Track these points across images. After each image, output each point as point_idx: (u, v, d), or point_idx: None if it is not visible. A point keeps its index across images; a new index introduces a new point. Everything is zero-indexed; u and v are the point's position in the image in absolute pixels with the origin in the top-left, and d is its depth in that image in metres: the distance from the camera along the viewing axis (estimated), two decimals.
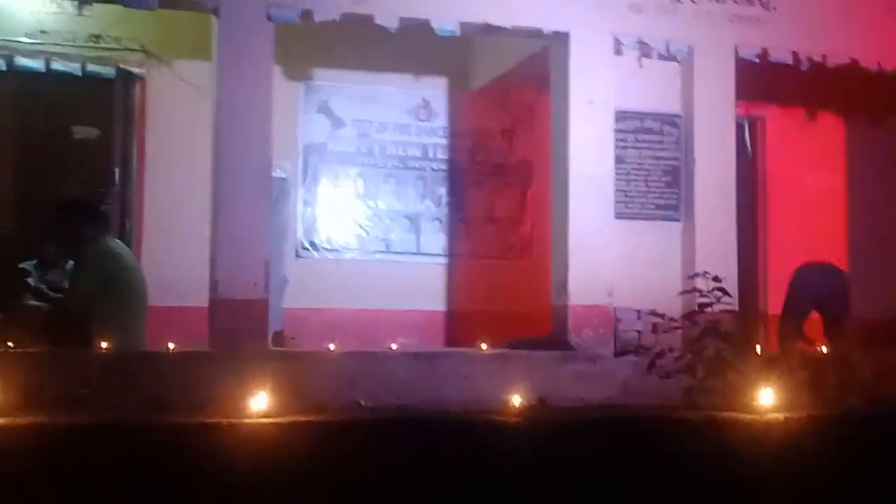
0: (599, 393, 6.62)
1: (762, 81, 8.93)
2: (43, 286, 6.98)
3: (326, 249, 9.71)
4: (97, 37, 8.87)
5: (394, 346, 7.89)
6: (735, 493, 3.79)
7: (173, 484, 3.38)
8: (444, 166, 10.03)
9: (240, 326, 7.20)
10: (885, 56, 8.78)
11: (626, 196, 8.42)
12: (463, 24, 7.93)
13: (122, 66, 9.05)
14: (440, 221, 10.01)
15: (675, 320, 5.58)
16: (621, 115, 8.41)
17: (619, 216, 8.30)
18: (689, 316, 5.51)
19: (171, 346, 7.05)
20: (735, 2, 8.56)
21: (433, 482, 3.48)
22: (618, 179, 8.34)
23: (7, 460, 3.32)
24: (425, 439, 3.52)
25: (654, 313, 5.75)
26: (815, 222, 10.12)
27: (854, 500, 3.97)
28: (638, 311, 7.83)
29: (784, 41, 8.60)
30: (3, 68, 8.71)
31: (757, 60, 8.56)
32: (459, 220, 10.05)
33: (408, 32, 7.90)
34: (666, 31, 8.38)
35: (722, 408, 4.11)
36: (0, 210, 9.00)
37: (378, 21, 7.73)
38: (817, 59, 8.64)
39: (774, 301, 8.48)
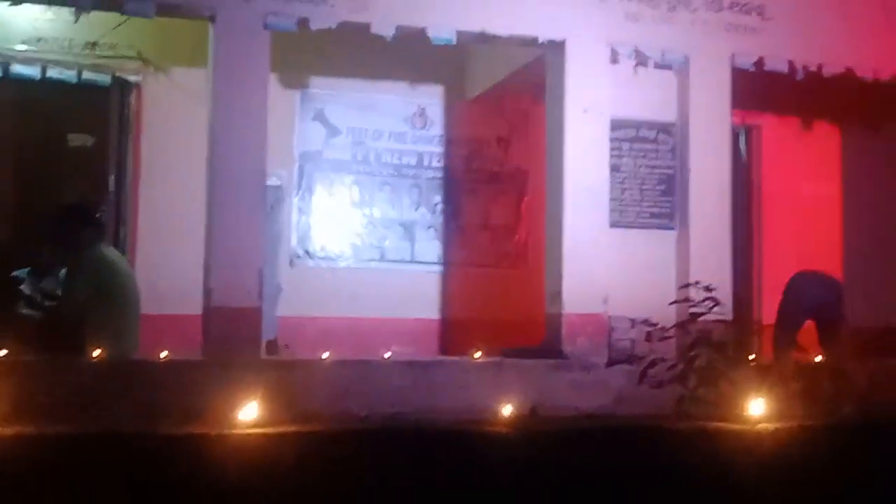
0: (593, 402, 6.62)
1: (758, 90, 8.94)
2: (36, 294, 6.95)
3: (321, 257, 9.70)
4: (93, 44, 8.88)
5: (388, 355, 7.89)
6: (727, 503, 3.79)
7: (163, 495, 3.37)
8: (439, 174, 10.03)
9: (233, 334, 7.19)
10: (881, 65, 8.80)
11: (620, 204, 8.43)
12: (459, 33, 7.94)
13: (117, 73, 9.06)
14: (435, 229, 10.01)
15: (666, 329, 5.58)
16: (617, 124, 8.41)
17: (613, 224, 8.30)
18: (681, 325, 5.50)
19: (164, 354, 7.05)
20: (731, 11, 8.57)
21: (424, 493, 3.47)
22: (613, 188, 8.34)
23: None
24: (416, 450, 3.51)
25: (646, 322, 5.73)
26: (810, 231, 10.13)
27: None
28: (632, 320, 7.81)
29: (780, 50, 8.62)
30: (0, 76, 8.70)
31: (753, 69, 8.57)
32: (454, 228, 10.05)
33: (404, 41, 7.91)
34: (662, 40, 8.38)
35: (713, 417, 4.10)
36: None
37: (374, 29, 7.73)
38: (813, 68, 8.66)
39: (769, 309, 8.47)
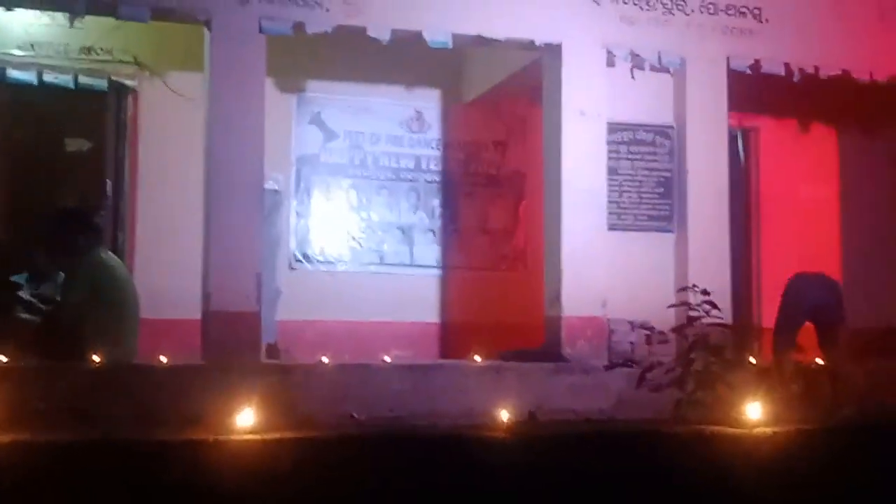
0: (593, 405, 6.60)
1: (755, 92, 8.94)
2: (34, 299, 6.95)
3: (320, 261, 9.69)
4: (89, 49, 8.87)
5: (387, 359, 7.88)
6: None
7: (161, 502, 3.36)
8: (437, 178, 10.02)
9: (232, 339, 7.18)
10: (877, 67, 8.81)
11: (618, 207, 8.44)
12: (455, 36, 7.94)
13: (114, 78, 9.04)
14: (433, 233, 10.00)
15: (663, 333, 5.58)
16: (614, 127, 8.42)
17: (612, 227, 8.30)
18: (678, 329, 5.50)
19: (163, 358, 7.04)
20: (727, 14, 8.58)
21: (421, 498, 3.46)
22: (610, 191, 8.35)
23: None
24: (413, 455, 3.50)
25: (643, 326, 5.73)
26: (808, 232, 10.12)
27: None
28: (631, 323, 7.82)
29: (776, 52, 8.62)
30: None
31: (749, 72, 8.57)
32: (453, 231, 10.03)
33: (400, 44, 7.91)
34: (658, 43, 8.39)
35: (712, 421, 4.10)
36: None
37: (370, 33, 7.73)
38: (809, 70, 8.67)
39: (768, 312, 8.46)
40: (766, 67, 8.60)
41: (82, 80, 8.93)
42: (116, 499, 3.35)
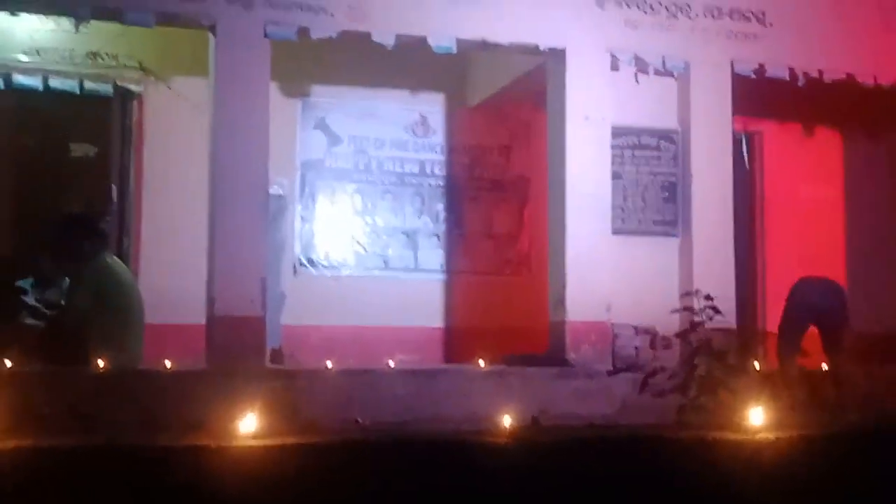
0: (597, 410, 6.60)
1: (759, 96, 8.94)
2: (39, 304, 6.97)
3: (324, 266, 9.70)
4: (94, 54, 8.89)
5: (392, 363, 7.89)
6: None
7: None
8: (441, 182, 10.03)
9: (237, 344, 7.19)
10: (881, 71, 8.80)
11: (623, 212, 8.44)
12: (459, 41, 7.95)
13: (119, 83, 9.06)
14: (438, 237, 10.00)
15: (666, 338, 5.58)
16: (618, 131, 8.42)
17: (616, 232, 8.30)
18: (681, 334, 5.50)
19: (167, 363, 7.06)
20: (731, 18, 8.58)
21: (423, 503, 3.46)
22: (615, 195, 8.35)
23: None
24: (415, 460, 3.50)
25: (646, 331, 5.73)
26: (813, 236, 10.11)
27: None
28: (636, 328, 7.82)
29: (781, 56, 8.62)
30: (1, 86, 8.71)
31: (753, 76, 8.57)
32: (457, 236, 10.03)
33: (405, 49, 7.92)
34: (662, 47, 8.39)
35: (714, 426, 4.09)
36: None
37: (375, 38, 7.75)
38: (814, 74, 8.67)
39: (773, 316, 8.47)
40: (771, 71, 8.60)
41: (88, 85, 8.94)
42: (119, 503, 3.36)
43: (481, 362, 7.74)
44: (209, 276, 7.42)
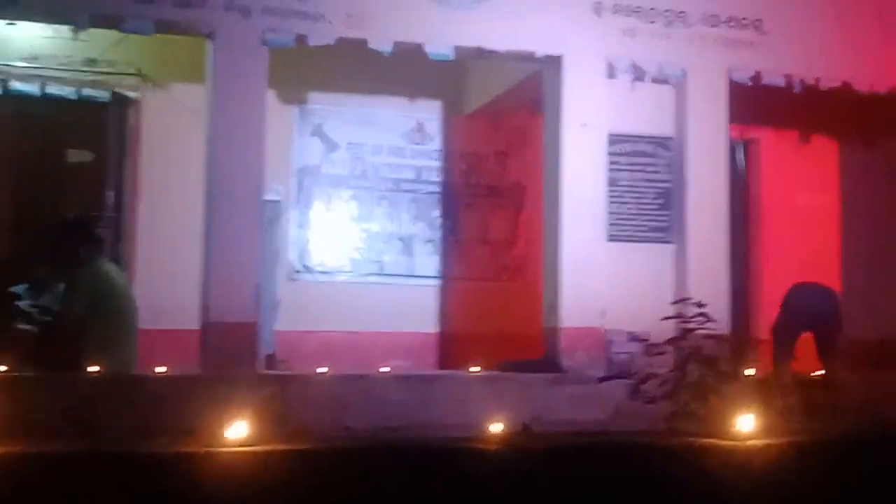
0: (591, 415, 6.61)
1: (756, 104, 8.95)
2: (34, 310, 6.97)
3: (320, 272, 9.72)
4: (92, 61, 8.92)
5: (386, 369, 7.89)
6: None
7: None
8: (437, 189, 10.04)
9: (231, 349, 7.19)
10: (878, 79, 8.81)
11: (618, 218, 8.43)
12: (457, 49, 7.96)
13: (116, 89, 9.10)
14: (433, 244, 10.02)
15: (656, 345, 5.58)
16: (614, 138, 8.42)
17: (611, 238, 8.30)
18: (672, 341, 5.50)
19: (161, 369, 7.06)
20: (728, 25, 8.59)
21: None
22: (610, 202, 8.35)
23: None
24: (405, 467, 3.50)
25: (637, 338, 5.74)
26: (808, 244, 10.12)
27: None
28: (630, 334, 7.82)
29: (777, 64, 8.64)
30: None
31: (750, 83, 8.59)
32: (453, 242, 10.05)
33: (402, 56, 7.94)
34: (659, 55, 8.40)
35: (704, 433, 4.09)
36: None
37: (372, 45, 7.76)
38: (810, 81, 8.68)
39: (768, 323, 8.45)
40: (767, 79, 8.61)
41: (85, 91, 8.99)
42: None
43: (476, 368, 7.74)
44: (204, 282, 7.43)
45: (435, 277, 9.97)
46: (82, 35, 7.61)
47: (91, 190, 9.09)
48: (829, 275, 9.11)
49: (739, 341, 7.43)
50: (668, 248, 8.51)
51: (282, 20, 7.60)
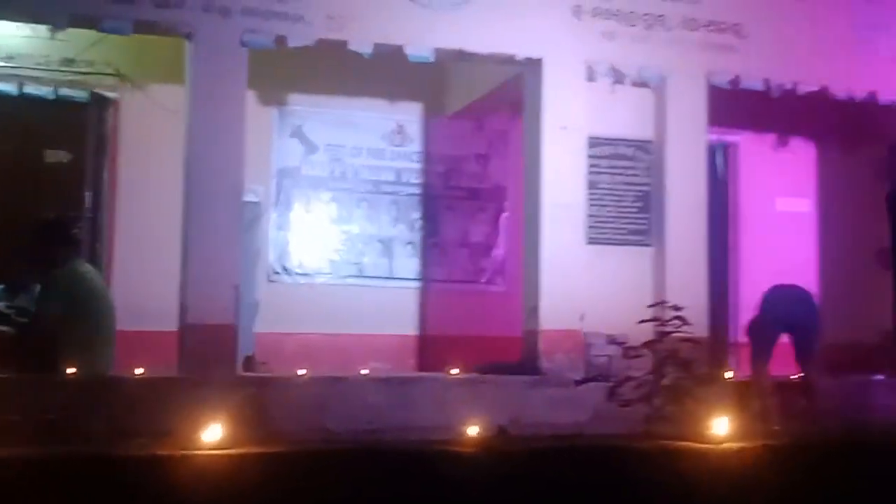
0: (570, 418, 6.63)
1: (735, 108, 8.99)
2: (10, 311, 6.92)
3: (299, 274, 9.69)
4: (70, 60, 8.88)
5: (365, 371, 7.88)
6: None
7: None
8: (417, 191, 10.04)
9: (209, 351, 7.17)
10: (855, 84, 8.87)
11: (598, 221, 8.46)
12: (437, 51, 7.97)
13: (95, 89, 9.05)
14: (413, 246, 10.01)
15: (634, 348, 5.60)
16: (594, 141, 8.45)
17: (590, 241, 8.32)
18: (648, 344, 5.52)
19: (139, 371, 7.03)
20: (708, 30, 8.63)
21: None
22: (590, 205, 8.38)
23: None
24: (380, 470, 3.50)
25: (614, 341, 5.76)
26: (786, 247, 10.17)
27: None
28: (608, 337, 7.84)
29: (756, 68, 8.68)
30: None
31: (729, 87, 8.62)
32: (433, 244, 10.05)
33: (382, 58, 7.93)
34: (639, 58, 8.43)
35: (679, 436, 4.10)
36: None
37: (352, 47, 7.76)
38: (788, 86, 8.73)
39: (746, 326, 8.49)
40: (746, 83, 8.66)
41: (63, 91, 8.94)
42: None
43: (455, 371, 7.74)
44: (182, 283, 7.40)
45: (414, 280, 9.97)
46: (60, 35, 7.60)
47: (69, 190, 9.04)
48: (806, 278, 9.15)
49: (717, 344, 7.45)
50: (648, 251, 8.54)
51: (261, 21, 7.58)
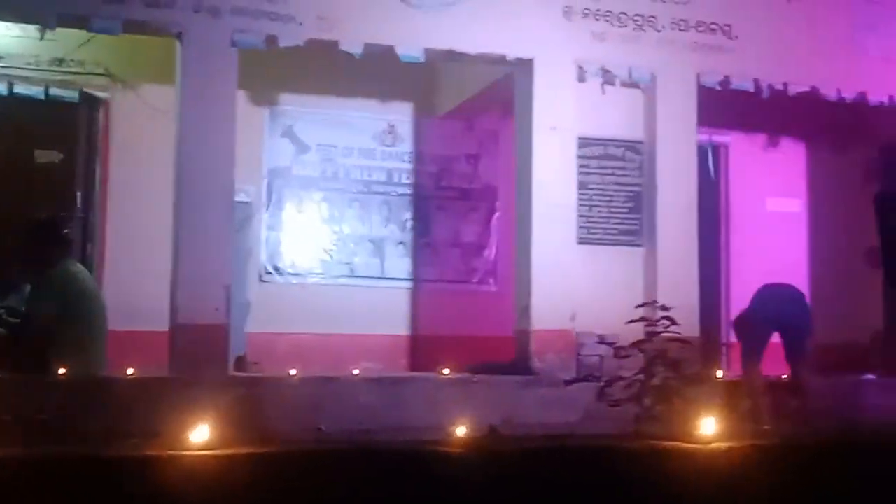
0: (561, 418, 6.64)
1: (726, 108, 9.02)
2: (1, 311, 6.91)
3: (290, 274, 9.69)
4: (61, 60, 8.87)
5: (357, 371, 7.88)
6: None
7: None
8: (408, 191, 10.05)
9: (200, 351, 7.17)
10: (845, 84, 8.90)
11: (588, 221, 8.48)
12: (427, 51, 7.98)
13: (85, 89, 9.04)
14: (405, 246, 10.02)
15: (624, 348, 5.61)
16: (584, 142, 8.47)
17: (581, 241, 8.34)
18: (638, 344, 5.53)
19: (130, 371, 7.02)
20: (698, 30, 8.65)
21: None
22: (581, 205, 8.40)
23: None
24: (372, 470, 3.50)
25: (604, 341, 5.77)
26: (777, 246, 10.21)
27: None
28: (599, 336, 7.85)
29: (746, 69, 8.71)
30: None
31: (719, 87, 8.65)
32: (424, 244, 10.06)
33: (373, 58, 7.94)
34: (629, 59, 8.45)
35: (668, 436, 4.11)
36: None
37: (343, 47, 7.76)
38: (778, 86, 8.75)
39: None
40: (736, 83, 8.69)
41: (53, 91, 8.92)
42: None
43: (447, 371, 7.75)
44: (173, 284, 7.40)
45: (406, 280, 9.98)
46: (50, 34, 7.58)
47: (60, 190, 9.02)
48: (797, 278, 9.17)
49: (707, 344, 7.46)
50: (638, 251, 8.56)
51: (252, 21, 7.59)
